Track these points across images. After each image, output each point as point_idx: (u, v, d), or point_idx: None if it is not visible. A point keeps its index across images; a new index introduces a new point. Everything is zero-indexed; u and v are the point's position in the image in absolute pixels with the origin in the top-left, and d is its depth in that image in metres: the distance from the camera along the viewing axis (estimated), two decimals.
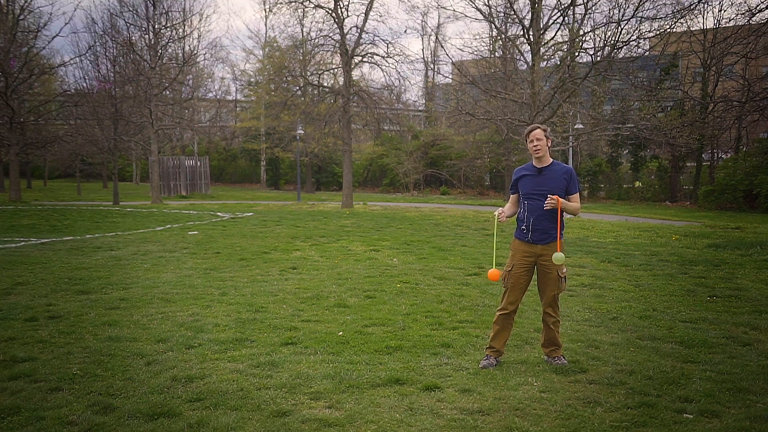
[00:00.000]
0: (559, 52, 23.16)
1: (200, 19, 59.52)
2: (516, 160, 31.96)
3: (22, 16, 29.33)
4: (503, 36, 26.06)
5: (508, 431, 3.84)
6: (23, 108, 28.92)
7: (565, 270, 5.05)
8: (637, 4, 18.53)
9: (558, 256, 4.85)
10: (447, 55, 60.16)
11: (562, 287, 5.05)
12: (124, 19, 28.39)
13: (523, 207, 5.06)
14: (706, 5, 27.79)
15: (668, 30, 22.02)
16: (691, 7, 21.16)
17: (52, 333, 5.80)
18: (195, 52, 38.93)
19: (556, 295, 5.05)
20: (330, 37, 24.41)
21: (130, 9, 28.27)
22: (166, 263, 9.84)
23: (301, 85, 30.51)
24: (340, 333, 5.85)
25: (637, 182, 33.02)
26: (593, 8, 25.94)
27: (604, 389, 4.49)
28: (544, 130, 5.01)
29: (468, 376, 4.74)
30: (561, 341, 5.16)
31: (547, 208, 4.87)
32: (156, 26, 27.92)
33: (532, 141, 4.98)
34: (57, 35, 42.97)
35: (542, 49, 21.62)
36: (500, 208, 5.07)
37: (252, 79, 44.98)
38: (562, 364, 5.00)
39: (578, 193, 5.07)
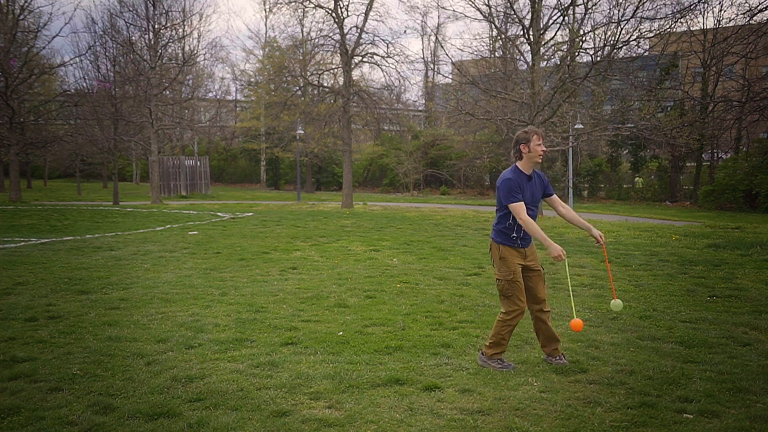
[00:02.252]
0: (559, 52, 23.14)
1: (200, 19, 59.58)
2: None
3: (22, 16, 29.36)
4: (503, 36, 26.05)
5: (508, 431, 3.84)
6: (23, 108, 28.93)
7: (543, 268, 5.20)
8: (637, 4, 18.52)
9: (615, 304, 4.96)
10: (447, 55, 60.23)
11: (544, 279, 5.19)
12: (124, 19, 28.43)
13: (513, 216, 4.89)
14: (706, 5, 27.80)
15: (668, 30, 22.02)
16: (691, 7, 21.14)
17: (52, 333, 5.80)
18: (195, 52, 38.99)
19: (545, 288, 5.12)
20: (330, 37, 24.42)
21: (130, 9, 28.30)
22: (166, 263, 9.84)
23: (301, 85, 30.50)
24: (340, 333, 5.85)
25: (639, 178, 33.00)
26: (593, 8, 25.92)
27: (604, 389, 4.49)
28: None
29: (468, 376, 4.73)
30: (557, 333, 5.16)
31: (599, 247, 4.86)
32: (156, 26, 27.92)
33: (541, 145, 4.85)
34: (57, 35, 43.16)
35: (542, 49, 21.60)
36: (559, 250, 4.74)
37: (252, 79, 45.00)
38: (563, 363, 5.00)
39: (554, 193, 5.08)
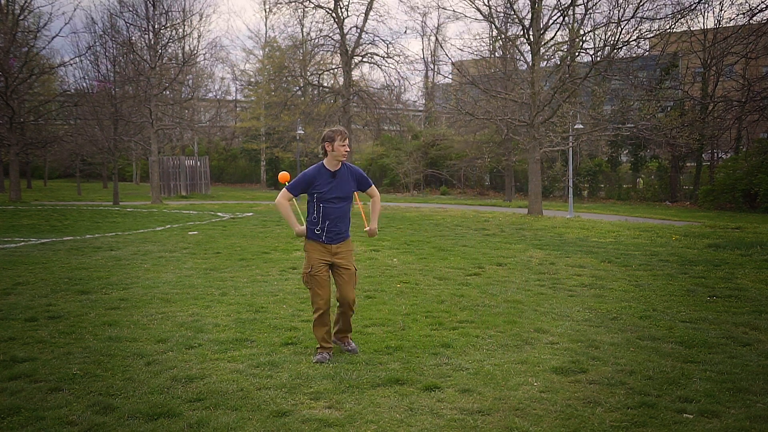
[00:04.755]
0: (559, 52, 23.16)
1: (200, 19, 59.40)
2: (516, 160, 31.95)
3: (22, 16, 29.34)
4: (503, 36, 26.05)
5: (508, 431, 3.84)
6: (23, 108, 28.90)
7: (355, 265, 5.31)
8: (637, 4, 18.53)
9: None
10: (447, 55, 60.10)
11: (356, 281, 5.31)
12: (124, 19, 28.37)
13: (318, 210, 5.15)
14: (706, 5, 27.78)
15: (668, 30, 22.02)
16: (692, 8, 21.14)
17: (52, 333, 5.80)
18: (195, 52, 38.88)
19: (353, 290, 5.26)
20: (330, 37, 24.48)
21: (130, 9, 28.24)
22: (166, 263, 9.84)
23: (301, 85, 30.54)
24: None
25: (641, 179, 32.90)
26: (593, 8, 25.90)
27: (604, 389, 4.49)
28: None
29: (468, 376, 4.73)
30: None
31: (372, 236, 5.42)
32: (156, 26, 27.89)
33: (344, 145, 5.12)
34: (57, 35, 42.97)
35: (542, 49, 21.60)
36: (300, 230, 5.20)
37: (252, 79, 44.96)
38: (353, 349, 5.29)
39: (372, 185, 5.37)
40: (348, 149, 5.14)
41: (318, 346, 5.19)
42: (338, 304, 5.29)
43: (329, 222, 5.14)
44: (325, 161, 5.17)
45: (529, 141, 20.69)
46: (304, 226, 5.21)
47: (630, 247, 12.09)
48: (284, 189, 5.25)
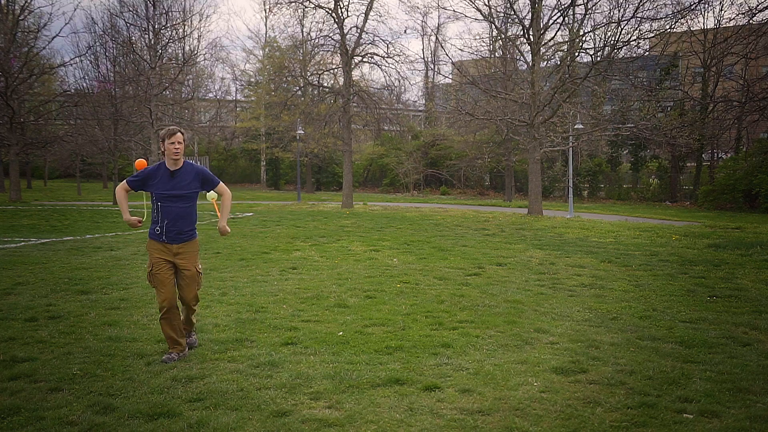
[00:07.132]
0: (559, 52, 23.16)
1: (200, 19, 59.54)
2: (516, 160, 31.95)
3: (22, 16, 29.34)
4: (503, 36, 26.05)
5: (508, 431, 3.84)
6: (23, 108, 28.91)
7: (200, 266, 5.32)
8: (637, 4, 18.55)
9: (210, 194, 5.41)
10: (447, 55, 60.11)
11: (200, 283, 5.33)
12: (124, 19, 28.41)
13: (157, 209, 5.14)
14: (706, 5, 27.79)
15: (668, 30, 22.04)
16: (692, 8, 21.16)
17: (52, 333, 5.80)
18: (195, 52, 38.90)
19: (194, 291, 5.27)
20: (330, 37, 24.44)
21: (130, 9, 28.28)
22: None
23: (301, 85, 30.53)
24: (340, 333, 5.85)
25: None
26: (593, 8, 25.89)
27: (604, 389, 4.49)
28: (184, 134, 5.18)
29: (468, 376, 4.73)
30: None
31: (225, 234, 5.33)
32: (156, 26, 27.91)
33: (173, 143, 5.07)
34: (57, 35, 42.88)
35: (542, 49, 21.60)
36: (132, 220, 5.19)
37: (252, 79, 45.01)
38: (192, 341, 5.42)
39: (220, 183, 5.35)
40: (176, 148, 5.05)
41: (172, 346, 5.15)
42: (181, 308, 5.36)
43: (168, 221, 5.11)
44: (165, 159, 5.16)
45: (529, 141, 20.69)
46: (135, 218, 5.20)
47: (630, 247, 12.09)
48: (125, 180, 5.26)
